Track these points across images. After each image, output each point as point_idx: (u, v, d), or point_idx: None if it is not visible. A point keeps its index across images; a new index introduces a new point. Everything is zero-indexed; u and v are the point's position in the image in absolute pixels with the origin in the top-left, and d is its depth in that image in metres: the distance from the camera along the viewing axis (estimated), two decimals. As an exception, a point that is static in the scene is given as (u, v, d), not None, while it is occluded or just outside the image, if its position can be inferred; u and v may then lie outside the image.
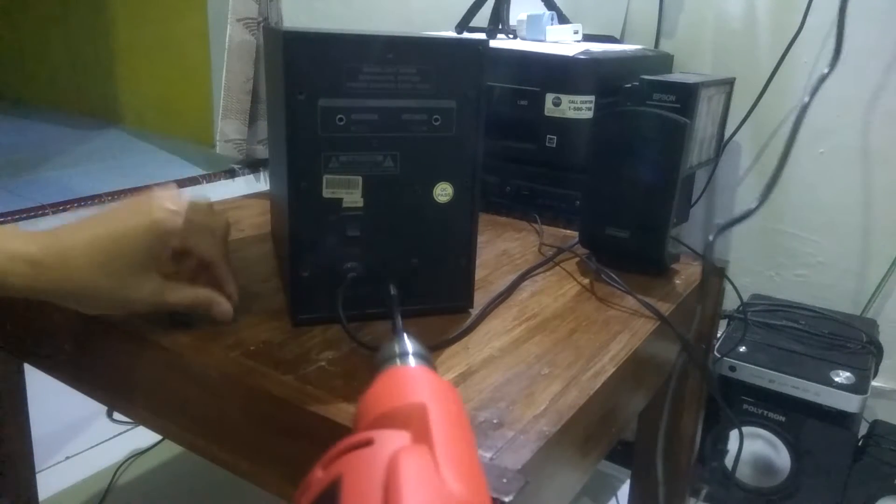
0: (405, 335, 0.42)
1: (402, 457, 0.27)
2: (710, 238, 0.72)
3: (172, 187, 0.52)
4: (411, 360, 0.39)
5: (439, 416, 0.31)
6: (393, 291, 0.53)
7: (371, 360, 0.51)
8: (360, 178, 0.53)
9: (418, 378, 0.36)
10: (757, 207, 0.89)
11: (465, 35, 1.12)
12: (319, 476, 0.29)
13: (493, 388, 0.49)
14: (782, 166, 0.93)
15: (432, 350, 0.53)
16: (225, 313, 0.54)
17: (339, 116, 0.51)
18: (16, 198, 1.49)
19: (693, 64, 1.23)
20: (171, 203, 0.51)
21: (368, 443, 0.29)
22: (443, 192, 0.55)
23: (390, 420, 0.32)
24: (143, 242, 0.49)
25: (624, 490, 1.09)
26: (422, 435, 0.30)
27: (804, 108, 0.96)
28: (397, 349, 0.40)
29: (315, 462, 0.46)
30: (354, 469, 0.28)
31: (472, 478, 0.28)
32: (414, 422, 0.31)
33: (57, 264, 0.47)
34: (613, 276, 0.68)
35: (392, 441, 0.29)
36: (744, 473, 1.02)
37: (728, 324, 1.10)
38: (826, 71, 0.99)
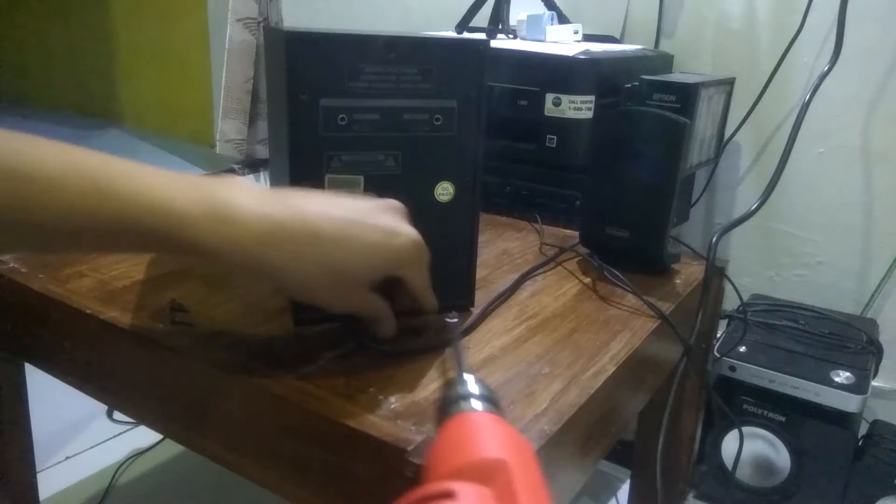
0: (473, 377, 0.40)
1: None
2: (714, 240, 0.72)
3: (401, 209, 0.49)
4: (481, 406, 0.38)
5: (521, 477, 0.31)
6: (455, 318, 0.52)
7: (374, 359, 0.51)
8: (361, 178, 0.53)
9: (494, 429, 0.35)
10: (757, 208, 0.89)
11: (466, 35, 1.12)
12: None
13: (494, 388, 0.49)
14: (783, 166, 0.93)
15: (433, 350, 0.53)
16: (390, 332, 0.51)
17: (341, 116, 0.51)
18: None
19: (693, 64, 1.23)
20: (415, 236, 0.47)
21: (450, 495, 0.28)
22: (444, 191, 0.55)
23: (469, 474, 0.31)
24: (380, 269, 0.46)
25: (624, 490, 1.09)
26: (506, 495, 0.29)
27: (805, 107, 0.97)
28: (466, 391, 0.39)
29: (314, 455, 0.46)
30: None
31: None
32: (497, 480, 0.30)
33: (265, 242, 0.42)
34: (619, 274, 0.68)
35: (475, 498, 0.29)
36: (744, 473, 1.02)
37: (728, 324, 1.10)
38: (826, 69, 0.99)
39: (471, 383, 0.40)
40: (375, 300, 0.49)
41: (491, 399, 0.39)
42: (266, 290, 0.56)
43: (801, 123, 0.94)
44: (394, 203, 0.49)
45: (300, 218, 0.43)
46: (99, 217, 0.40)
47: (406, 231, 0.47)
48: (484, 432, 0.35)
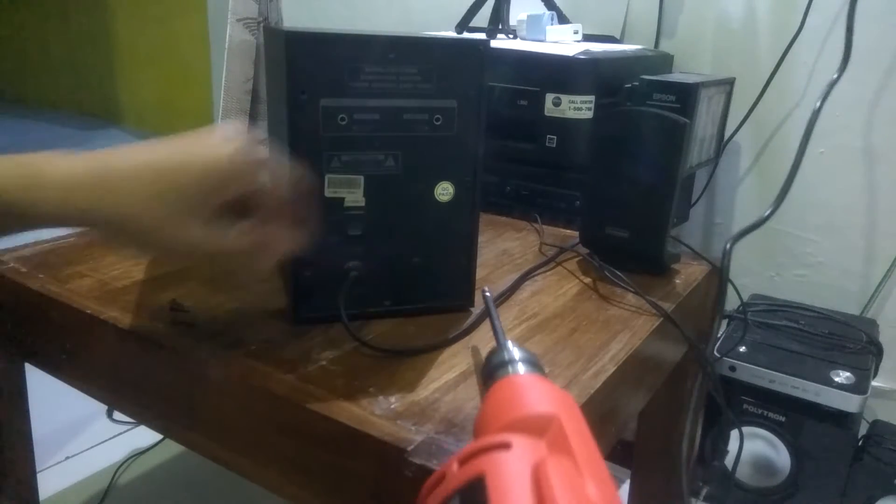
0: (512, 343, 0.42)
1: (551, 464, 0.28)
2: (728, 246, 0.72)
3: (238, 126, 0.47)
4: (526, 369, 0.40)
5: (572, 429, 0.32)
6: (487, 293, 0.53)
7: (374, 359, 0.51)
8: (361, 178, 0.53)
9: (541, 388, 0.37)
10: (770, 215, 0.90)
11: (466, 35, 1.12)
12: (455, 471, 0.29)
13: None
14: (794, 174, 0.94)
15: (433, 349, 0.53)
16: (263, 264, 0.47)
17: (341, 116, 0.51)
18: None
19: (693, 64, 1.23)
20: (238, 141, 0.45)
21: (506, 446, 0.29)
22: (444, 191, 0.55)
23: (523, 427, 0.32)
24: (202, 179, 0.43)
25: (624, 490, 1.09)
26: (560, 446, 0.31)
27: (815, 113, 0.97)
28: (509, 357, 0.41)
29: (314, 455, 0.46)
30: (497, 469, 0.28)
31: (611, 490, 0.29)
32: (550, 432, 0.31)
33: (95, 186, 0.42)
34: (620, 274, 0.68)
35: (530, 448, 0.29)
36: (744, 473, 1.02)
37: (728, 324, 1.10)
38: (835, 76, 1.00)
39: (512, 349, 0.41)
40: (224, 233, 0.45)
41: (533, 362, 0.41)
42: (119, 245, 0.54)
43: (812, 130, 0.95)
44: (220, 127, 0.47)
45: (111, 167, 0.43)
46: None
47: (221, 146, 0.45)
48: (532, 390, 0.36)
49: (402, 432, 0.42)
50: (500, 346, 0.42)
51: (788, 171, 0.99)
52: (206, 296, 0.61)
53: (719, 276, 0.75)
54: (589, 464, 0.30)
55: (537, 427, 0.32)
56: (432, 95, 0.52)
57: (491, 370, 0.41)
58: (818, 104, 0.97)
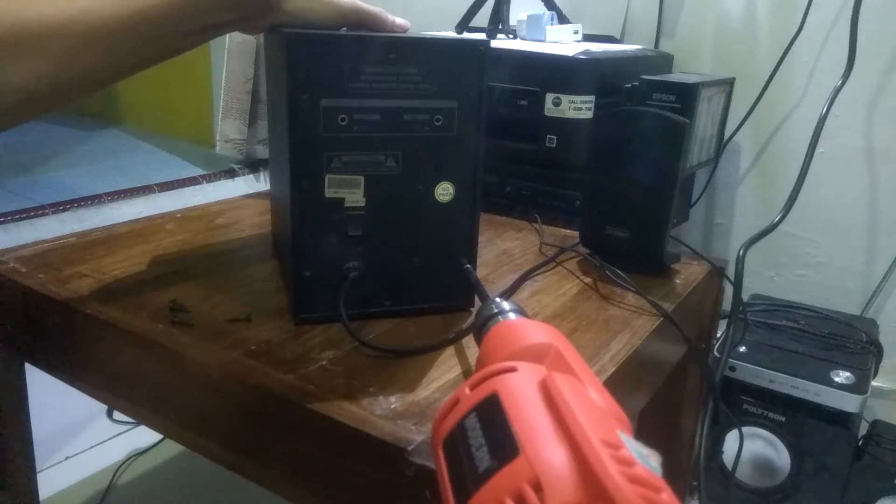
0: (498, 297, 0.47)
1: (556, 376, 0.30)
2: (741, 253, 0.72)
3: None
4: (514, 316, 0.44)
5: (568, 353, 0.36)
6: (466, 264, 0.57)
7: (374, 359, 0.51)
8: (361, 178, 0.53)
9: (533, 325, 0.41)
10: (780, 220, 0.90)
11: (466, 35, 1.12)
12: (468, 394, 0.32)
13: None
14: (801, 182, 0.93)
15: (433, 349, 0.53)
16: (403, 23, 0.56)
17: (342, 116, 0.51)
18: (16, 198, 1.49)
19: (693, 64, 1.23)
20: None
21: (513, 370, 0.32)
22: (444, 191, 0.55)
23: (524, 356, 0.36)
24: None
25: (624, 490, 1.08)
26: (560, 367, 0.34)
27: (822, 119, 0.97)
28: (497, 308, 0.45)
29: (314, 455, 0.46)
30: (508, 387, 0.31)
31: (609, 396, 0.33)
32: (549, 357, 0.36)
33: None
34: (621, 273, 0.68)
35: (534, 370, 0.32)
36: (744, 473, 1.02)
37: (728, 324, 1.10)
38: (840, 83, 1.00)
39: (500, 302, 0.46)
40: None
41: (519, 310, 0.45)
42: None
43: (819, 135, 0.95)
44: None
45: None
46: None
47: None
48: (526, 327, 0.40)
49: (402, 432, 0.43)
50: (486, 302, 0.46)
51: (796, 175, 1.00)
52: (206, 296, 0.61)
53: (719, 277, 0.75)
54: (587, 378, 0.33)
55: (537, 355, 0.36)
56: (432, 96, 0.53)
57: (481, 324, 0.44)
58: (825, 109, 0.97)
